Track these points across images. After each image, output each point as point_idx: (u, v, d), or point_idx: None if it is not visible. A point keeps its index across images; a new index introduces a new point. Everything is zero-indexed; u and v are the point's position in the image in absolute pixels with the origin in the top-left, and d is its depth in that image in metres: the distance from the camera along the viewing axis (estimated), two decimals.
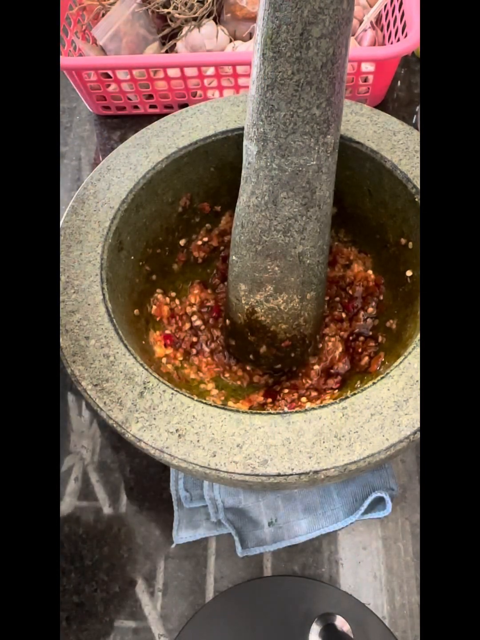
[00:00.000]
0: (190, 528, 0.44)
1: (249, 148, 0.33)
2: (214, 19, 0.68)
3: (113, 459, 0.48)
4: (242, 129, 0.37)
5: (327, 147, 0.32)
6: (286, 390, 0.41)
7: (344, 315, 0.44)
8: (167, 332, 0.42)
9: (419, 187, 0.36)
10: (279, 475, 0.27)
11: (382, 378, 0.29)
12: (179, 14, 0.66)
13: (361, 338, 0.43)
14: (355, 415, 0.28)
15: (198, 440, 0.28)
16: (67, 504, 0.46)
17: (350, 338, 0.43)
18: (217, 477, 0.28)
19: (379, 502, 0.43)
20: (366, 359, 0.41)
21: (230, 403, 0.40)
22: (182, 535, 0.43)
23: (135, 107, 0.70)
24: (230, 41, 0.68)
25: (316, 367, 0.42)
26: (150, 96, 0.68)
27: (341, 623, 0.39)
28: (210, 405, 0.29)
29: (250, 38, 0.68)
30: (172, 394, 0.29)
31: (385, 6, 0.67)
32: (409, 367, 0.29)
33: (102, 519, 0.45)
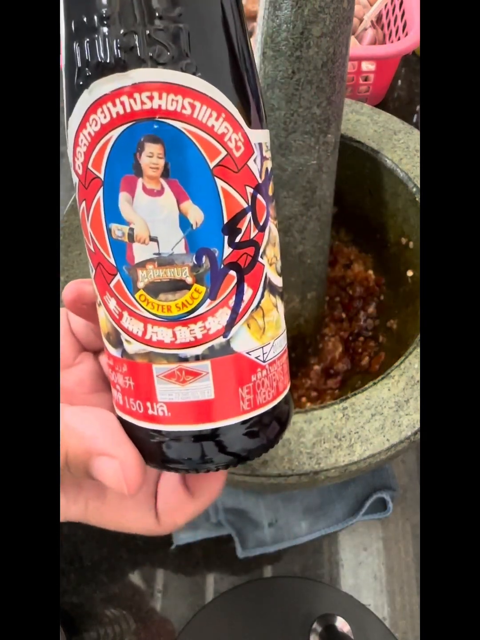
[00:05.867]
0: (190, 529, 0.43)
1: None
2: None
3: None
4: None
5: (327, 146, 0.32)
6: None
7: (344, 315, 0.44)
8: None
9: (419, 186, 0.36)
10: (279, 476, 0.27)
11: (382, 378, 0.29)
12: None
13: (361, 338, 0.43)
14: (356, 416, 0.28)
15: None
16: None
17: (350, 338, 0.43)
18: None
19: (379, 503, 0.43)
20: (366, 359, 0.41)
21: None
22: (182, 536, 0.43)
23: None
24: None
25: (316, 367, 0.42)
26: None
27: (341, 624, 0.39)
28: None
29: (251, 37, 0.68)
30: None
31: (386, 5, 0.67)
32: (409, 367, 0.29)
33: None
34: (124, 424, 0.18)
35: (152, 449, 0.18)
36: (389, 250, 0.41)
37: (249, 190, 0.16)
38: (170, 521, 0.20)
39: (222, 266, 0.16)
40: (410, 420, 0.28)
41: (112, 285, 0.17)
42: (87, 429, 0.17)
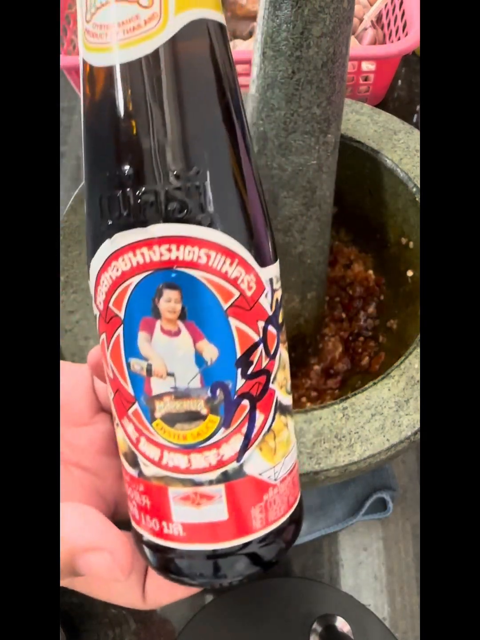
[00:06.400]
0: None
1: None
2: None
3: None
4: None
5: (327, 146, 0.32)
6: None
7: (344, 315, 0.44)
8: None
9: (419, 186, 0.36)
10: None
11: (382, 378, 0.29)
12: None
13: (361, 338, 0.42)
14: (356, 416, 0.28)
15: None
16: None
17: (350, 338, 0.43)
18: None
19: (379, 503, 0.43)
20: (366, 359, 0.41)
21: None
22: None
23: None
24: (230, 40, 0.68)
25: (316, 367, 0.42)
26: None
27: (341, 624, 0.39)
28: None
29: (250, 37, 0.68)
30: None
31: (386, 5, 0.67)
32: (409, 367, 0.29)
33: None
34: (139, 537, 0.19)
35: (166, 563, 0.18)
36: (389, 250, 0.41)
37: (261, 324, 0.17)
38: (156, 601, 0.20)
39: (236, 397, 0.16)
40: (410, 420, 0.28)
41: (130, 412, 0.17)
42: (65, 527, 0.17)
